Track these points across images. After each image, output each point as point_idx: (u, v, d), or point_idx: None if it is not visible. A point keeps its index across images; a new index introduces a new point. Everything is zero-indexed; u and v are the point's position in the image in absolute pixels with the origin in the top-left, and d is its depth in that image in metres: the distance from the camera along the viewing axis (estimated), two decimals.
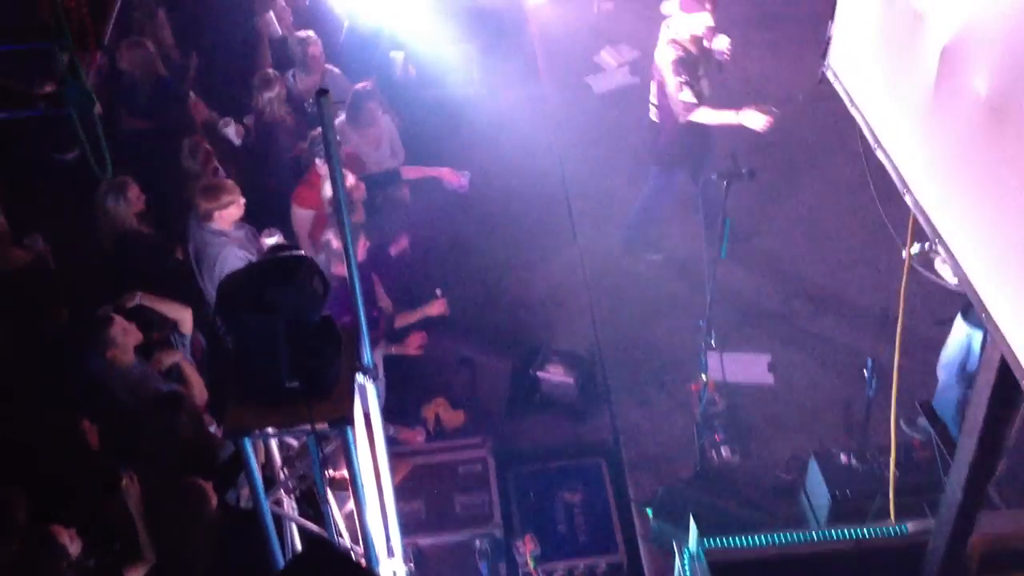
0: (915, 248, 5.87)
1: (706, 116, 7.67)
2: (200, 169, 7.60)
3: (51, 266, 6.95)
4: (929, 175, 3.51)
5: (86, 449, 5.93)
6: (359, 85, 8.36)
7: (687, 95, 7.59)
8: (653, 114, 8.07)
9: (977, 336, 6.57)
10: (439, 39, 10.19)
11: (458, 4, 10.50)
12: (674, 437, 7.59)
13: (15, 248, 6.77)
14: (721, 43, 7.79)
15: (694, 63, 7.70)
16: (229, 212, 7.02)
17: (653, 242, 8.81)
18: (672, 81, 7.64)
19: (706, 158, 8.10)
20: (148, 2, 8.85)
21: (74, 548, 5.31)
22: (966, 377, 6.71)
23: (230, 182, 7.13)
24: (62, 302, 6.82)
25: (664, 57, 7.72)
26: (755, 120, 7.57)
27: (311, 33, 8.86)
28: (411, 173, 8.33)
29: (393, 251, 7.82)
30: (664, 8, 7.86)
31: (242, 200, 7.08)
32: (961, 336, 6.68)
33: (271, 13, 9.31)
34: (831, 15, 4.28)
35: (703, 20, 7.59)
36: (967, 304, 6.49)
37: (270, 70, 8.52)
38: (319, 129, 7.60)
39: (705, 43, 7.76)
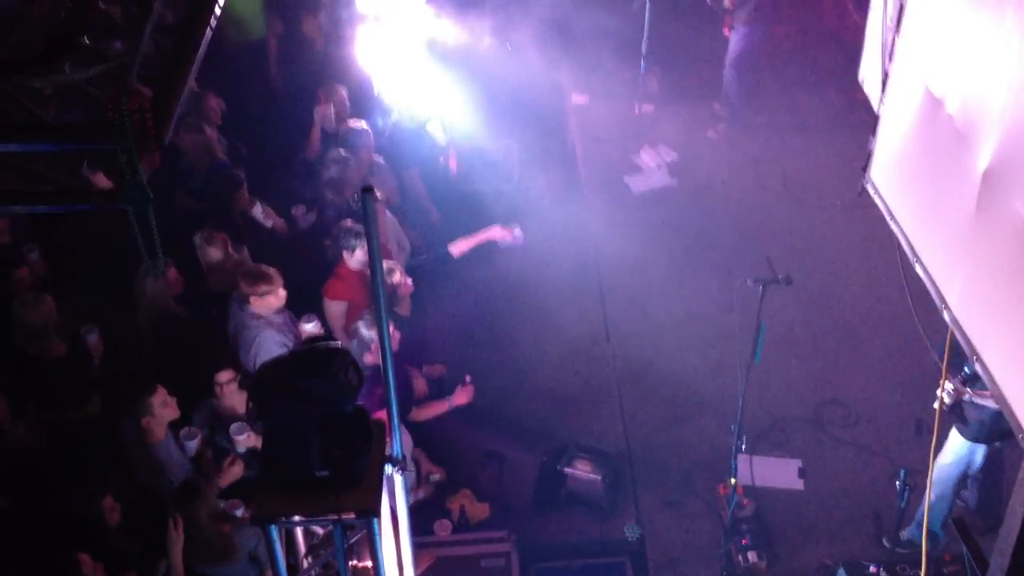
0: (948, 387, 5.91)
1: None
2: (223, 255, 7.70)
3: (94, 359, 6.99)
4: (968, 293, 3.50)
5: (105, 527, 5.94)
6: None
7: None
8: None
9: (980, 449, 6.60)
10: (481, 135, 10.34)
11: (501, 101, 10.66)
12: (700, 539, 7.53)
13: (56, 342, 6.83)
14: None
15: None
16: (266, 301, 7.08)
17: None
18: None
19: None
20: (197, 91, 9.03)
21: None
22: (962, 487, 6.78)
23: (273, 272, 7.18)
24: (98, 392, 6.87)
25: None
26: None
27: (364, 124, 9.00)
28: (461, 247, 8.24)
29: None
30: None
31: (282, 292, 7.13)
32: (962, 451, 6.63)
33: (331, 105, 9.47)
34: (873, 130, 4.32)
35: None
36: (960, 419, 6.55)
37: (342, 150, 8.62)
38: (346, 222, 7.76)
39: None
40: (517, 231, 8.24)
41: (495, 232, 8.25)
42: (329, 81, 9.72)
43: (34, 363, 6.70)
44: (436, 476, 7.43)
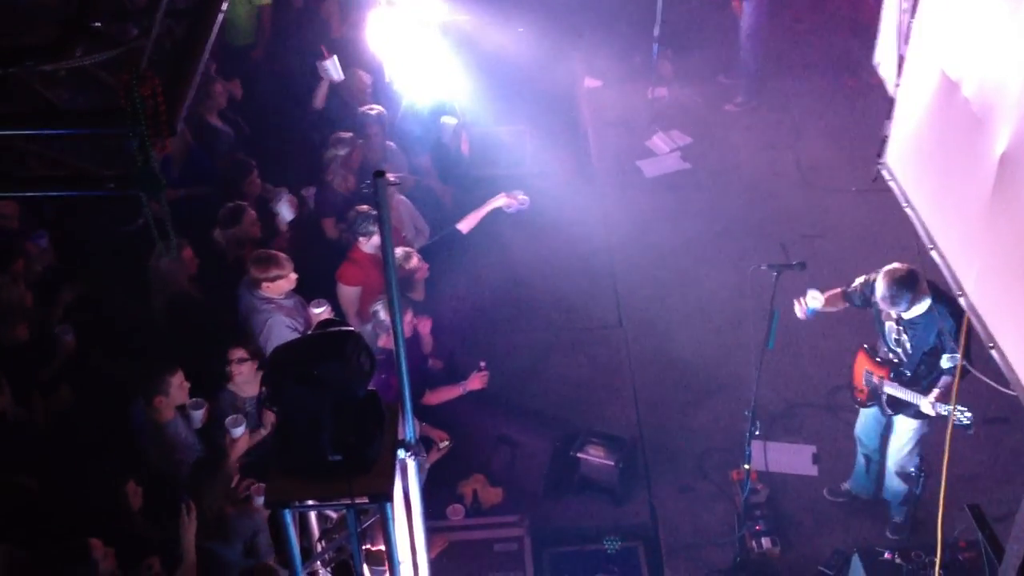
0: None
1: None
2: (247, 233, 7.69)
3: (58, 357, 6.92)
4: (985, 279, 3.49)
5: (128, 511, 5.96)
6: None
7: None
8: None
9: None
10: (493, 119, 10.32)
11: (513, 85, 10.63)
12: (714, 525, 7.52)
13: (20, 327, 6.76)
14: None
15: None
16: (277, 285, 7.09)
17: None
18: None
19: None
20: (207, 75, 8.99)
21: (106, 565, 5.38)
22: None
23: (284, 256, 7.18)
24: (65, 385, 6.83)
25: None
26: None
27: (382, 109, 8.96)
28: (469, 223, 8.20)
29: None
30: None
31: (293, 276, 7.14)
32: (920, 427, 6.85)
33: (334, 57, 9.30)
34: (888, 114, 4.30)
35: None
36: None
37: (348, 134, 8.58)
38: (361, 206, 7.74)
39: None
40: (522, 196, 8.20)
41: (500, 200, 8.23)
42: (350, 68, 9.68)
43: None
44: (445, 443, 7.40)
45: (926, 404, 6.49)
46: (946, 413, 6.32)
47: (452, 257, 8.32)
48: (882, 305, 6.53)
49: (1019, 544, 3.94)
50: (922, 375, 6.64)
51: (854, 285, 6.87)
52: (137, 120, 2.92)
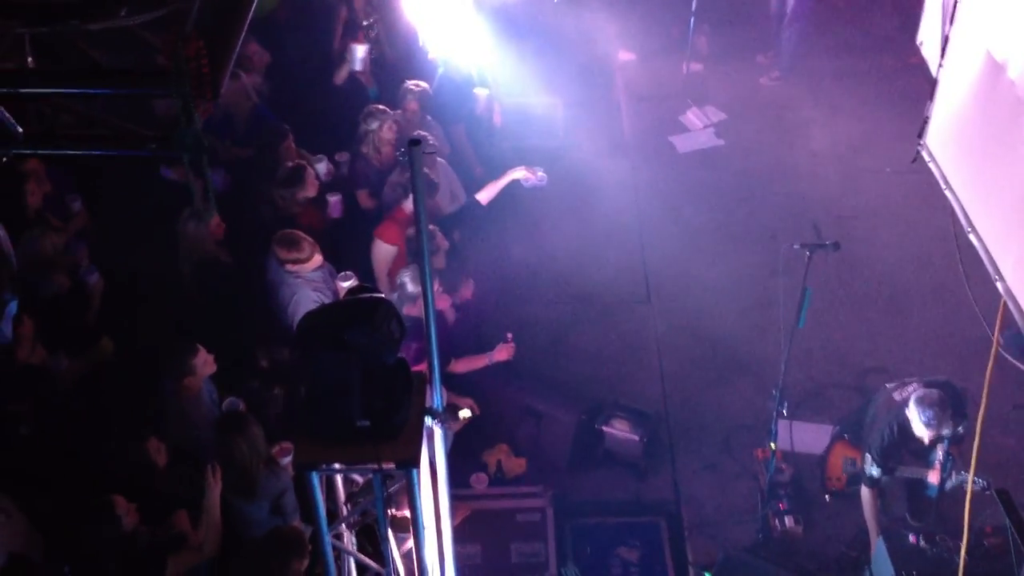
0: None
1: None
2: (307, 192, 7.75)
3: (93, 300, 6.99)
4: None
5: (151, 468, 6.02)
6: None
7: None
8: None
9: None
10: (526, 91, 10.27)
11: (547, 56, 10.57)
12: (737, 503, 7.51)
13: (59, 275, 6.81)
14: None
15: None
16: (300, 267, 7.11)
17: None
18: None
19: None
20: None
21: (128, 521, 5.45)
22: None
23: (309, 241, 7.16)
24: (108, 331, 6.87)
25: None
26: None
27: (426, 86, 8.88)
28: (487, 193, 8.22)
29: (458, 300, 7.77)
30: None
31: (317, 258, 7.14)
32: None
33: (366, 46, 9.36)
34: (931, 95, 4.25)
35: None
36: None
37: (381, 106, 8.54)
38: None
39: None
40: (540, 172, 8.20)
41: (519, 172, 8.22)
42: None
43: (34, 300, 6.69)
44: (466, 412, 7.41)
45: (935, 476, 6.66)
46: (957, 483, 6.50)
47: (474, 227, 8.32)
48: (930, 436, 6.51)
49: None
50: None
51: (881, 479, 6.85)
52: (181, 81, 2.92)
